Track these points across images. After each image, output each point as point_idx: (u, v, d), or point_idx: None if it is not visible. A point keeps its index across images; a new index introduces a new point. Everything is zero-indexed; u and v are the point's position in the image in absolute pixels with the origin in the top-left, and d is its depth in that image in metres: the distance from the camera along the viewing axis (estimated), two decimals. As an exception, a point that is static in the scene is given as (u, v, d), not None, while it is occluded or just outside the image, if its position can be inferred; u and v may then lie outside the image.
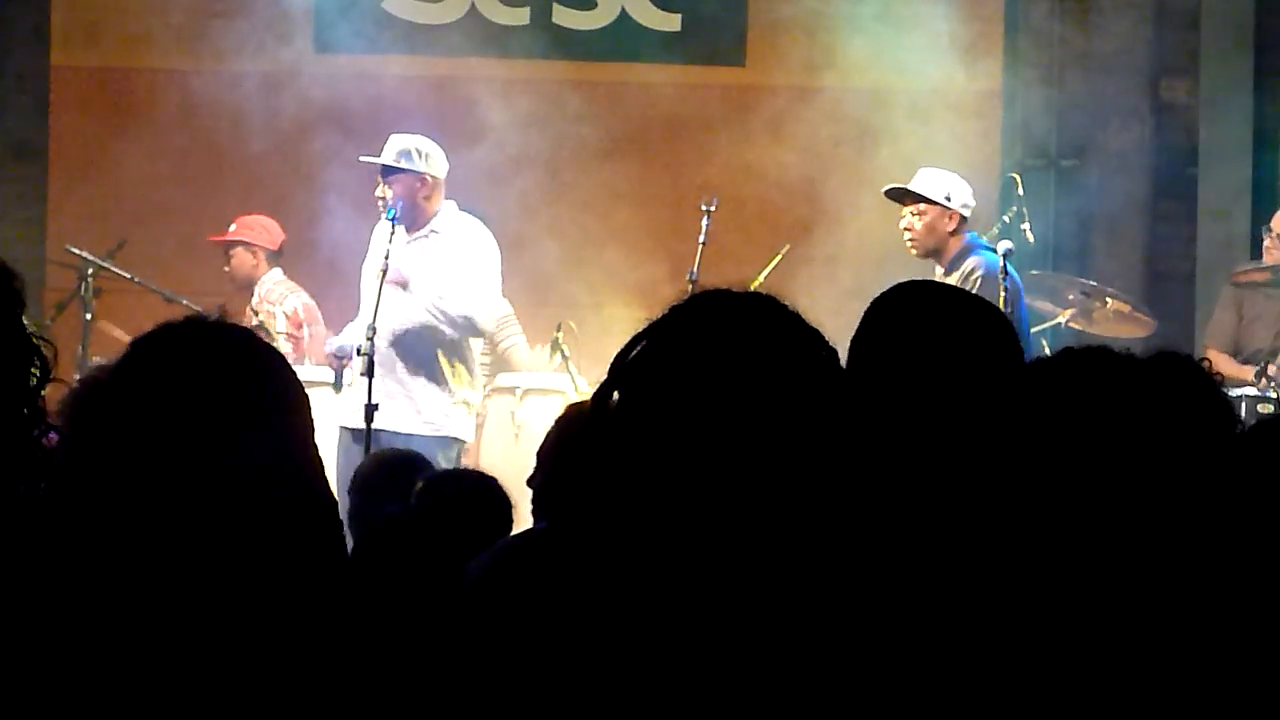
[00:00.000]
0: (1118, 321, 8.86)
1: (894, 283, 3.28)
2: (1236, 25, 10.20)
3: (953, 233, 8.13)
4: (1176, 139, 10.26)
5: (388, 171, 8.06)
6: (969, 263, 8.02)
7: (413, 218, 8.07)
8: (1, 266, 2.33)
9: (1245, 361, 8.69)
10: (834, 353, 2.36)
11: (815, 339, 2.36)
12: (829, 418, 2.27)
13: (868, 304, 3.21)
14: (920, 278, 8.25)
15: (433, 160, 8.12)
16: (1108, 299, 8.88)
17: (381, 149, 8.14)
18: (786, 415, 2.25)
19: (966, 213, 8.14)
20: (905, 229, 8.14)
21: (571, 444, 4.18)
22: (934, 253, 8.12)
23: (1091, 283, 9.00)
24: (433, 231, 8.09)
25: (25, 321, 2.30)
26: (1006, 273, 7.72)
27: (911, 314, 3.10)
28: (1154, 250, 10.29)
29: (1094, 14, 9.77)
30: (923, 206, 8.12)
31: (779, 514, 2.22)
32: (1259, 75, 10.21)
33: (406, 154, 8.06)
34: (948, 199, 8.11)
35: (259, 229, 9.52)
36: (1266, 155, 10.15)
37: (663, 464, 2.26)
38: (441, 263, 8.03)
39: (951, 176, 8.24)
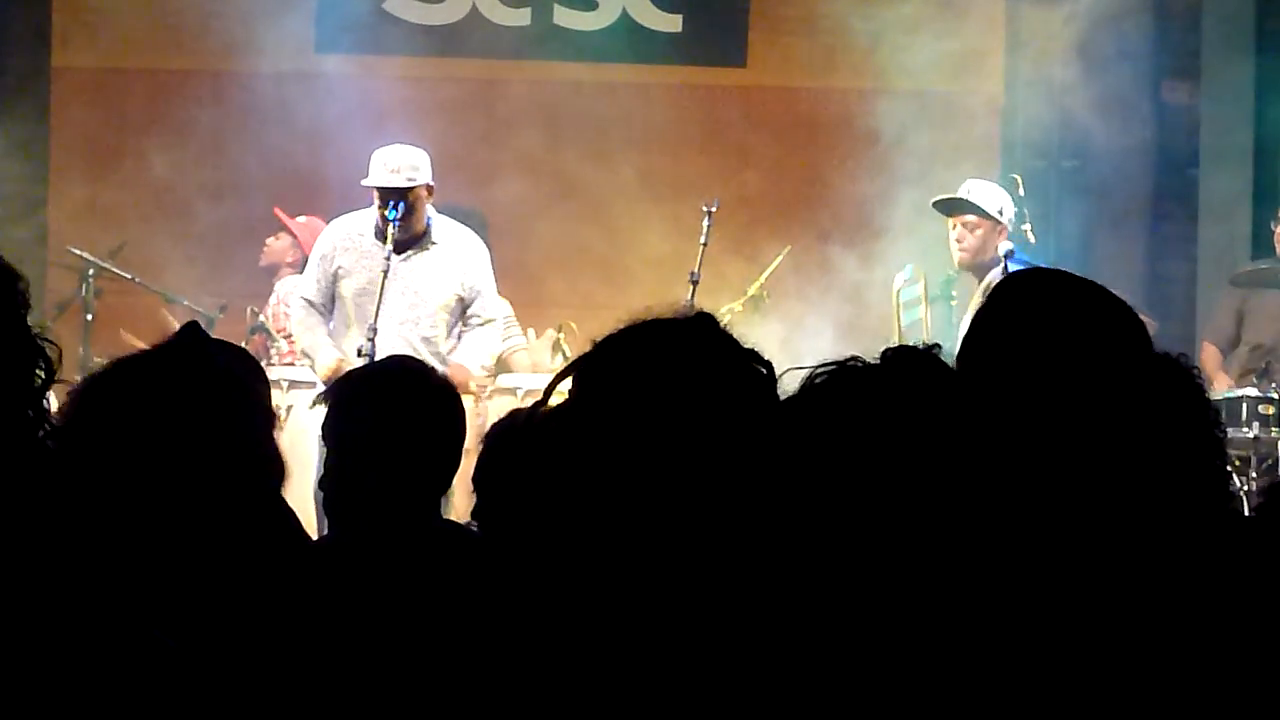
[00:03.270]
0: (1119, 322, 8.85)
1: (893, 283, 3.26)
2: (1238, 27, 10.20)
3: (998, 245, 8.00)
4: (1177, 140, 10.26)
5: (396, 190, 7.94)
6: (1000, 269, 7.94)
7: (411, 230, 8.00)
8: (5, 268, 2.33)
9: (1249, 357, 8.72)
10: (769, 366, 2.37)
11: (745, 358, 2.37)
12: (758, 435, 2.28)
13: (866, 304, 3.18)
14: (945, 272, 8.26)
15: (429, 167, 8.07)
16: (1109, 300, 8.87)
17: (372, 161, 8.01)
18: (713, 436, 2.27)
19: (1010, 227, 8.08)
20: (956, 240, 7.99)
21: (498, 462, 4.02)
22: (979, 266, 7.96)
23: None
24: (432, 243, 8.04)
25: (29, 323, 2.30)
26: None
27: (1037, 304, 2.92)
28: (1155, 251, 10.29)
29: (1095, 15, 9.77)
30: (975, 219, 7.99)
31: (706, 529, 2.23)
32: (1260, 77, 10.20)
33: (414, 169, 7.98)
34: (999, 213, 8.04)
35: (313, 236, 9.49)
36: (1267, 157, 10.15)
37: (595, 485, 2.28)
38: (468, 275, 8.06)
39: (999, 189, 8.18)
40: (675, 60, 10.41)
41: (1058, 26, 9.87)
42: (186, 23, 10.14)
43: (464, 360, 8.05)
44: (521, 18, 10.34)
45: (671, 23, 10.39)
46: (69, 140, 10.26)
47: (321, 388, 8.24)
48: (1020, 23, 10.08)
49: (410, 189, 7.95)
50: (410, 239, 8.01)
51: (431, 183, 8.05)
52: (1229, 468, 2.70)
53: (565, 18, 10.35)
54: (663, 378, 2.31)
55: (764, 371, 2.36)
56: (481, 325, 8.14)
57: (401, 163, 7.98)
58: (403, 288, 7.98)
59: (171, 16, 10.18)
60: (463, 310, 8.13)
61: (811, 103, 10.23)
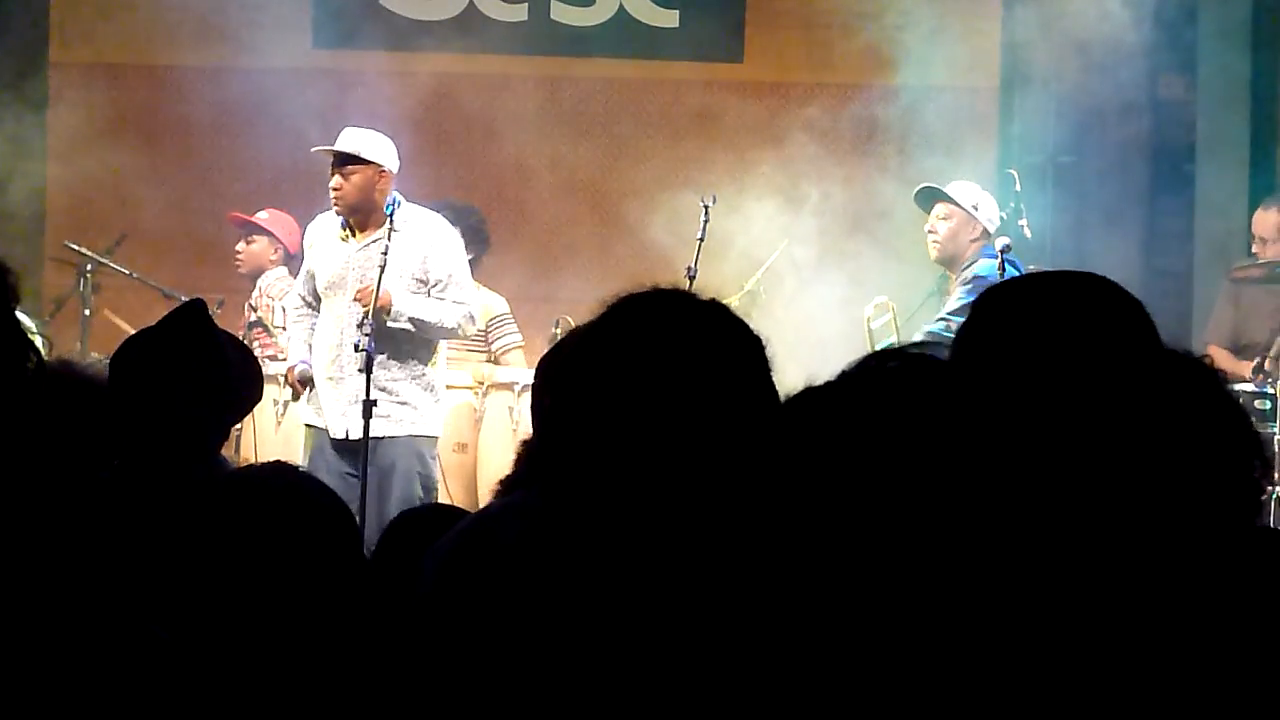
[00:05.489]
0: (1115, 317, 8.84)
1: (891, 278, 3.25)
2: (1234, 22, 10.20)
3: (973, 241, 8.24)
4: (1174, 136, 10.26)
5: (346, 162, 7.82)
6: (974, 265, 8.10)
7: (366, 214, 7.87)
8: (-3, 261, 2.33)
9: (1242, 355, 8.71)
10: (757, 341, 2.39)
11: (739, 330, 2.39)
12: (754, 405, 2.29)
13: (866, 301, 3.16)
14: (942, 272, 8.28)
15: (388, 154, 7.93)
16: (1105, 295, 8.87)
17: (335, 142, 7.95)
18: (708, 403, 2.29)
19: (991, 228, 8.29)
20: (929, 230, 8.26)
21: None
22: (952, 259, 8.23)
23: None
24: (393, 231, 7.78)
25: (20, 315, 2.31)
26: (1005, 271, 7.75)
27: (1033, 306, 2.72)
28: (1151, 247, 10.29)
29: (1092, 10, 9.76)
30: (950, 210, 8.26)
31: (703, 501, 2.24)
32: (1257, 72, 10.20)
33: (365, 146, 7.86)
34: (975, 208, 8.28)
35: (289, 227, 9.46)
36: (1264, 153, 10.15)
37: (592, 456, 2.29)
38: (429, 259, 7.89)
39: (983, 192, 8.39)
40: (672, 55, 10.41)
41: (1055, 21, 9.87)
42: (184, 18, 10.14)
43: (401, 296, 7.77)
44: (519, 13, 10.34)
45: (668, 18, 10.39)
46: (67, 135, 10.24)
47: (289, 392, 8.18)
48: (1017, 18, 10.08)
49: (355, 160, 7.80)
50: (364, 225, 7.89)
51: (387, 168, 7.86)
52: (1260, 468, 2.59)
53: (562, 13, 10.35)
54: (663, 346, 2.32)
55: (750, 343, 2.38)
56: (453, 303, 7.88)
57: (354, 136, 7.89)
58: (360, 276, 7.84)
59: (169, 12, 10.18)
60: (427, 294, 7.90)
61: (808, 98, 10.23)
